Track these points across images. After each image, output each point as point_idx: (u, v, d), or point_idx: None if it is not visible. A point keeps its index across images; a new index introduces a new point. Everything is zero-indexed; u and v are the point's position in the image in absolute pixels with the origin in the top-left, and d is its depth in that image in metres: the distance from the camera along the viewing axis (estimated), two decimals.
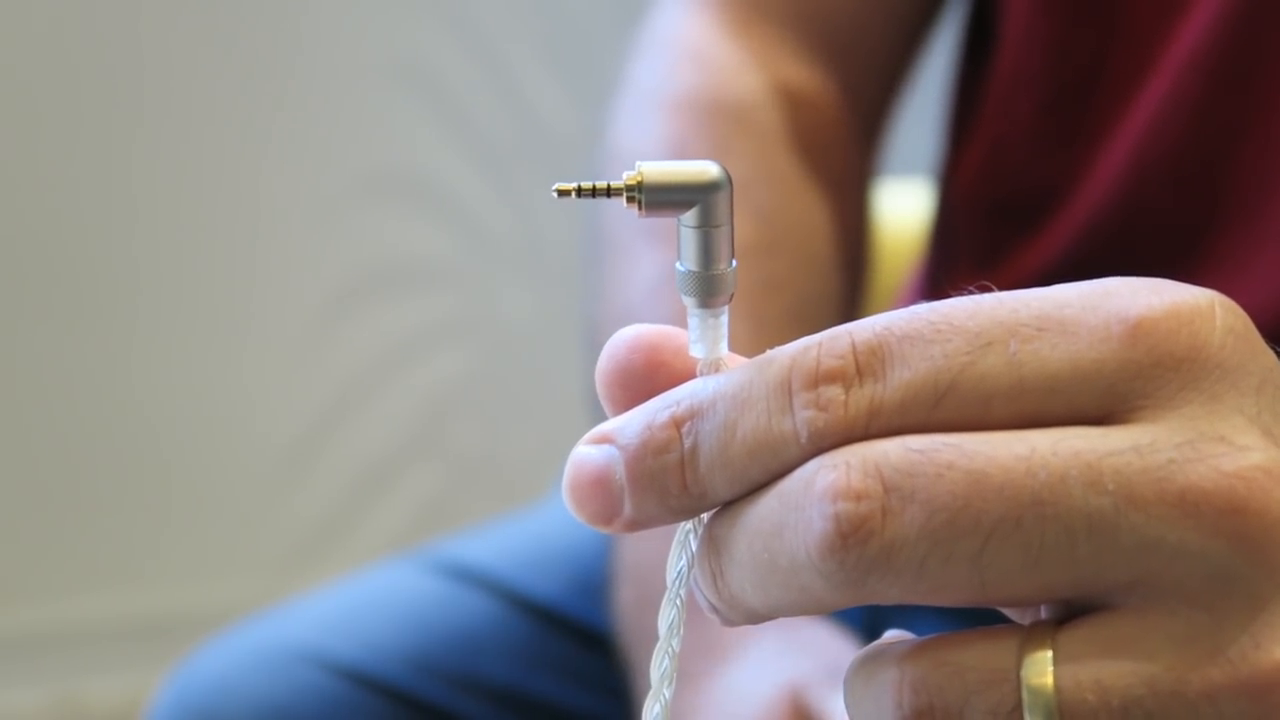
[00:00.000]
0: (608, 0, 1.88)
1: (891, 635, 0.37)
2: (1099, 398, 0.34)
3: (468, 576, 0.87)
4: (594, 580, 0.86)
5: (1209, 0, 0.75)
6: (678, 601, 0.39)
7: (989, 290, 0.36)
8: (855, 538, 0.34)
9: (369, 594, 0.89)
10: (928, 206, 0.92)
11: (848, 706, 0.37)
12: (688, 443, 0.36)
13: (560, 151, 1.90)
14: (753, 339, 0.76)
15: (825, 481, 0.34)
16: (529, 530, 0.92)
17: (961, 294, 0.36)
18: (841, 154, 0.86)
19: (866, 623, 0.79)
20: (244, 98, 1.83)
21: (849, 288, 0.84)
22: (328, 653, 0.84)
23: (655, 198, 0.38)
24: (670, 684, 0.39)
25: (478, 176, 1.90)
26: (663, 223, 0.49)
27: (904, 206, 1.10)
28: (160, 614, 1.88)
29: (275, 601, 0.96)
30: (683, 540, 0.38)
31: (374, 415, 1.92)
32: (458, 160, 1.89)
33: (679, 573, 0.39)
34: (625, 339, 0.39)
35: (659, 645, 0.39)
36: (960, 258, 0.87)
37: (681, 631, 0.39)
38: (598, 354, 0.42)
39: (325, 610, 0.88)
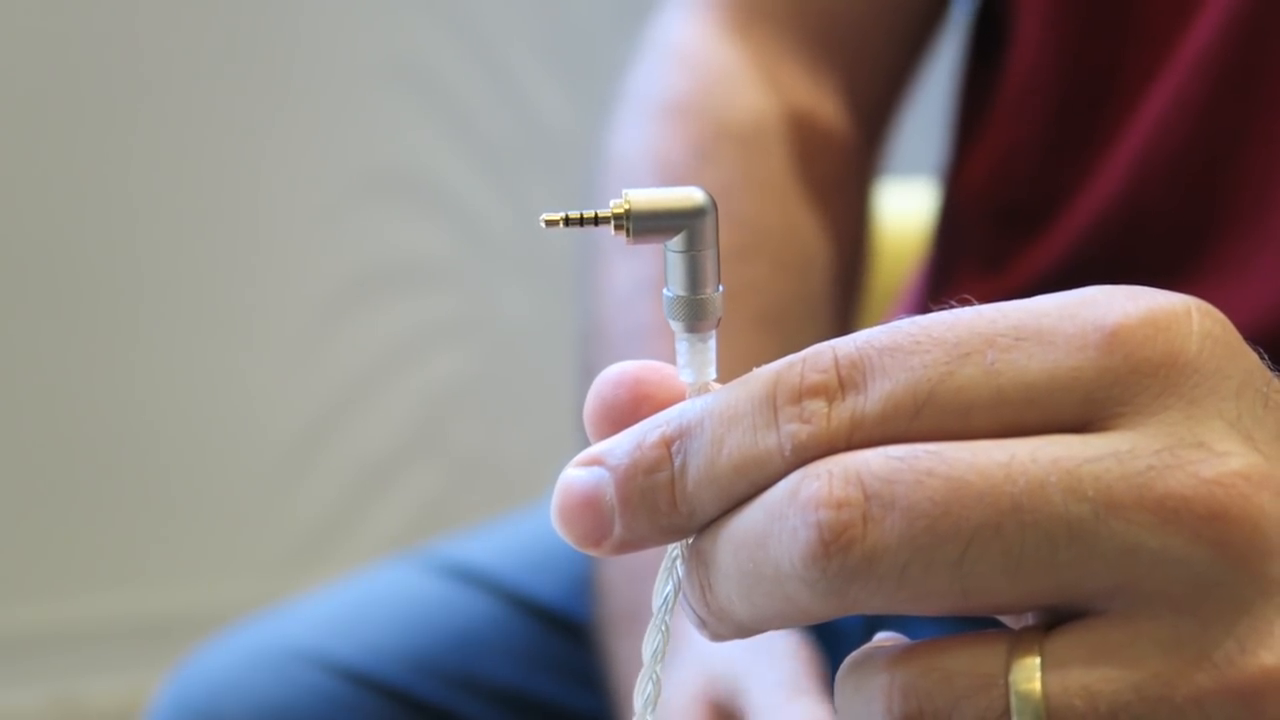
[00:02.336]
0: (608, 1, 1.88)
1: (882, 638, 0.37)
2: (1077, 406, 0.35)
3: (467, 577, 0.87)
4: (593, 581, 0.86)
5: (1217, 3, 0.75)
6: (663, 627, 0.39)
7: (970, 304, 0.36)
8: (837, 545, 0.34)
9: (369, 594, 0.89)
10: (931, 207, 0.92)
11: (838, 711, 0.37)
12: (678, 461, 0.37)
13: (560, 152, 1.90)
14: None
15: (808, 491, 0.34)
16: (528, 530, 0.92)
17: (945, 308, 0.36)
18: (838, 157, 0.86)
19: (864, 628, 0.79)
20: (244, 98, 1.83)
21: (839, 289, 0.84)
22: (327, 653, 0.84)
23: (642, 225, 0.39)
24: (654, 709, 0.39)
25: (478, 176, 1.90)
26: None
27: (907, 207, 1.10)
28: (160, 614, 1.88)
29: (275, 601, 0.96)
30: (669, 566, 0.39)
31: (374, 415, 1.92)
32: (458, 160, 1.89)
33: (665, 598, 0.39)
34: (609, 377, 0.39)
35: (644, 671, 0.40)
36: (964, 259, 0.87)
37: (665, 657, 0.39)
38: (583, 366, 0.43)
39: (325, 611, 0.88)
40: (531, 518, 0.94)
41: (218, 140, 1.83)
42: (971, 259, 0.86)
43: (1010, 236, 0.84)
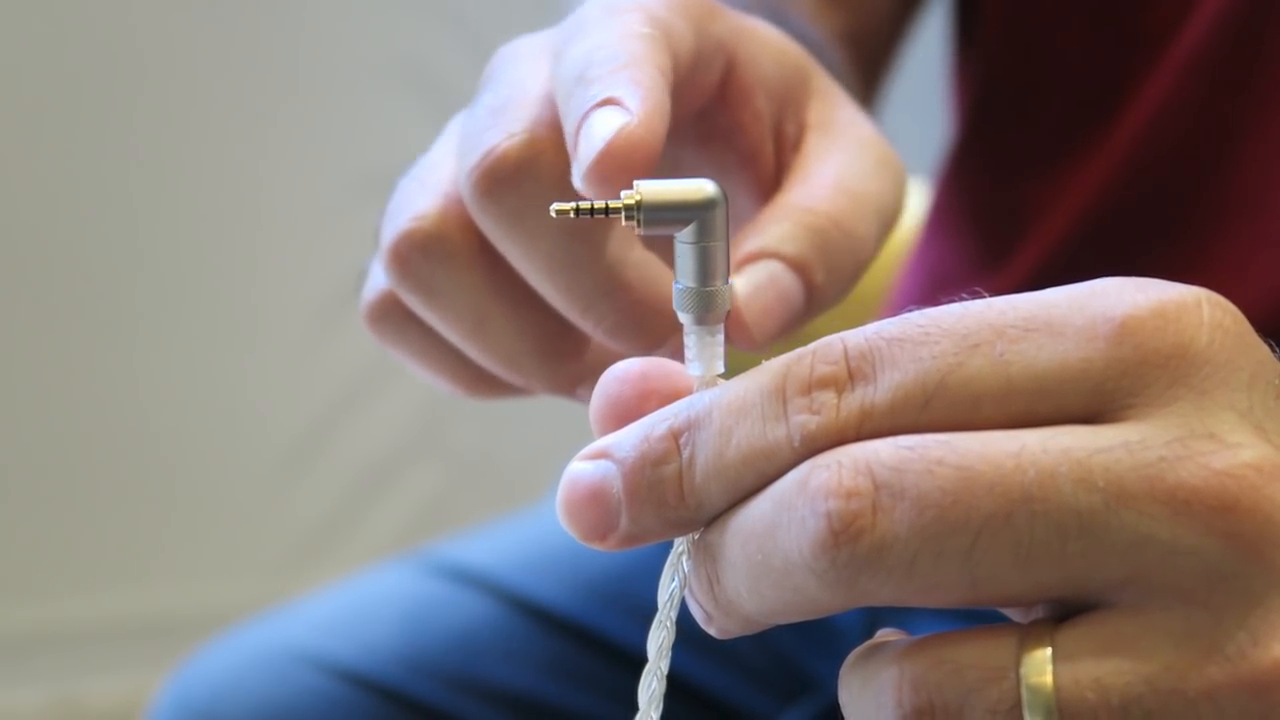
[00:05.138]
0: None
1: (885, 634, 0.37)
2: (1087, 397, 0.35)
3: (466, 578, 0.87)
4: (594, 582, 0.86)
5: (1211, 2, 0.74)
6: (668, 624, 0.39)
7: (980, 296, 0.36)
8: (846, 535, 0.34)
9: (368, 596, 0.89)
10: (923, 206, 0.92)
11: (844, 705, 0.37)
12: (686, 453, 0.37)
13: None
14: None
15: (818, 481, 0.34)
16: (528, 532, 0.91)
17: (954, 300, 0.36)
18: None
19: (864, 627, 0.79)
20: (244, 98, 1.83)
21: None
22: (326, 655, 0.84)
23: (654, 216, 0.39)
24: (658, 707, 0.39)
25: None
26: None
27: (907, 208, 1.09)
28: (160, 614, 1.88)
29: (275, 602, 0.96)
30: (675, 561, 0.39)
31: (374, 415, 1.92)
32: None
33: (670, 594, 0.39)
34: (615, 374, 0.39)
35: (648, 667, 0.40)
36: (959, 256, 0.87)
37: (670, 655, 0.39)
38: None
39: (324, 612, 0.88)
40: (532, 519, 0.94)
41: (218, 141, 1.83)
42: (966, 255, 0.86)
43: (1005, 233, 0.83)
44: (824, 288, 0.50)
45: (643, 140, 0.44)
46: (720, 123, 0.53)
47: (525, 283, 0.51)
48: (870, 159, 0.52)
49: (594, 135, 0.45)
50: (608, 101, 0.45)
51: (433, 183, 0.52)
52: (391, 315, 0.54)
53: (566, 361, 0.52)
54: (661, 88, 0.46)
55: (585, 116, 0.45)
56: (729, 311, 0.40)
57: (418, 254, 0.51)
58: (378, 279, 0.54)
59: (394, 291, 0.53)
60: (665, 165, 0.53)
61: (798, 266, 0.49)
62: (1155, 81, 0.76)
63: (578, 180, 0.45)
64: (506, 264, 0.50)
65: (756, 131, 0.53)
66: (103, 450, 1.86)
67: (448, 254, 0.50)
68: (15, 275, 1.80)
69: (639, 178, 0.43)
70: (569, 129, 0.46)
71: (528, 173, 0.48)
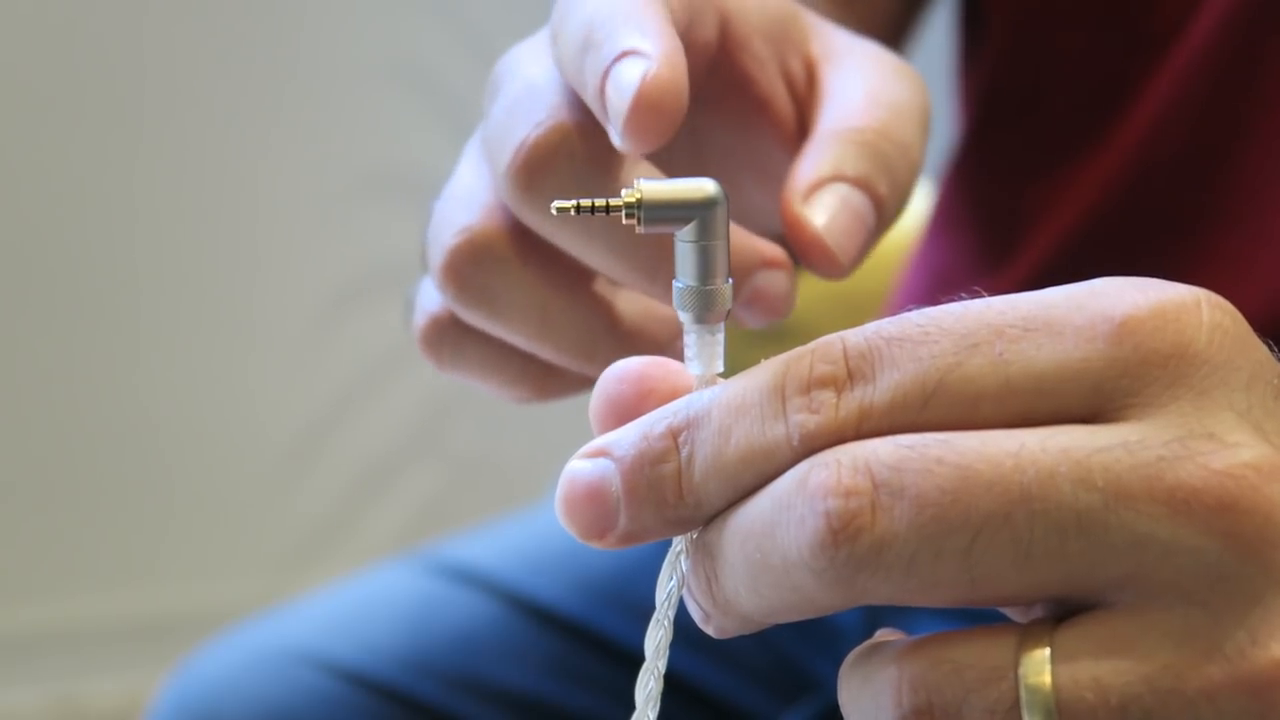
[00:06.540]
0: None
1: (884, 634, 0.37)
2: (1087, 397, 0.35)
3: (467, 578, 0.87)
4: (594, 582, 0.86)
5: (1216, 3, 0.74)
6: (665, 623, 0.39)
7: (980, 295, 0.36)
8: (845, 534, 0.34)
9: (368, 595, 0.89)
10: (925, 206, 0.92)
11: (843, 705, 0.37)
12: (684, 452, 0.37)
13: None
14: None
15: (817, 480, 0.34)
16: (528, 531, 0.91)
17: (955, 300, 0.36)
18: None
19: (864, 627, 0.79)
20: (244, 98, 1.83)
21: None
22: (327, 654, 0.84)
23: (654, 214, 0.39)
24: (655, 706, 0.39)
25: None
26: None
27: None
28: (160, 614, 1.88)
29: (275, 601, 0.96)
30: (673, 561, 0.39)
31: (374, 415, 1.92)
32: (457, 160, 1.89)
33: (669, 593, 0.39)
34: (614, 372, 0.39)
35: (645, 666, 0.40)
36: (962, 256, 0.87)
37: (668, 654, 0.39)
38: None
39: (324, 611, 0.88)
40: (532, 518, 0.94)
41: (219, 140, 1.83)
42: (969, 255, 0.86)
43: (1008, 233, 0.83)
44: (888, 200, 0.50)
45: (670, 80, 0.44)
46: (728, 77, 0.53)
47: (582, 268, 0.51)
48: (888, 70, 0.53)
49: (620, 89, 0.45)
50: (623, 55, 0.45)
51: (467, 197, 0.52)
52: (447, 335, 0.54)
53: (641, 338, 0.52)
54: (670, 29, 0.46)
55: (604, 76, 0.45)
56: (729, 310, 0.40)
57: (470, 266, 0.51)
58: (427, 303, 0.54)
59: (448, 312, 0.53)
60: (685, 134, 0.54)
61: (862, 184, 0.50)
62: (1160, 82, 0.76)
63: (616, 140, 0.45)
64: (558, 255, 0.51)
65: (764, 77, 0.53)
66: (103, 450, 1.86)
67: (500, 259, 0.51)
68: (16, 274, 1.80)
69: (674, 121, 0.43)
70: (591, 95, 0.46)
71: (561, 157, 0.48)
